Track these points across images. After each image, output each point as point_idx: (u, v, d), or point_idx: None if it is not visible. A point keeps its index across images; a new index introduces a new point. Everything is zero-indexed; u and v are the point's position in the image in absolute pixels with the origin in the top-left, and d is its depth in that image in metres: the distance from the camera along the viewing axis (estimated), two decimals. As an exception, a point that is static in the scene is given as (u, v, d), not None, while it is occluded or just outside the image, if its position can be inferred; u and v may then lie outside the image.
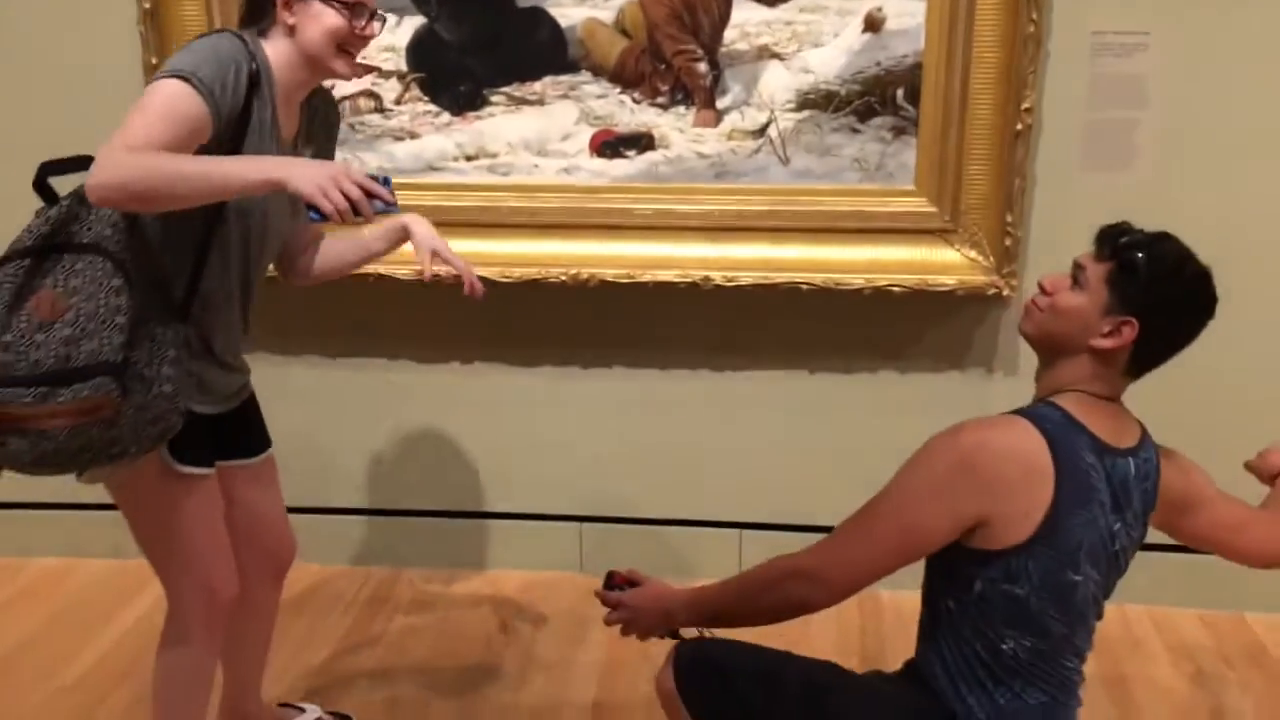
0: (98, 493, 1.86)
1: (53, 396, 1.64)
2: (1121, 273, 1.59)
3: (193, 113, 1.66)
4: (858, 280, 2.69)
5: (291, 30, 1.81)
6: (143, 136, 1.61)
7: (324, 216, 1.65)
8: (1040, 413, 1.60)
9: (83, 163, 1.68)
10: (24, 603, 2.92)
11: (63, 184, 1.76)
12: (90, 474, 1.81)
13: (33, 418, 1.65)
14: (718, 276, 2.73)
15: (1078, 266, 1.63)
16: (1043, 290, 1.66)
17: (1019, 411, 1.62)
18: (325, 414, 3.01)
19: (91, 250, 1.70)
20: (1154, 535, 2.90)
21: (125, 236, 1.72)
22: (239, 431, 2.06)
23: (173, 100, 1.65)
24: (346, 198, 1.64)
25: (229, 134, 1.74)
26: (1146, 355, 1.62)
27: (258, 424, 2.13)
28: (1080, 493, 1.56)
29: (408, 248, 2.03)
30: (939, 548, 1.58)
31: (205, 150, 1.71)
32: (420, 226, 2.02)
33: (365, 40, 1.87)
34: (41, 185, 1.75)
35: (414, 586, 3.00)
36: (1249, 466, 1.91)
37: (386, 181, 1.72)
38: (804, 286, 2.71)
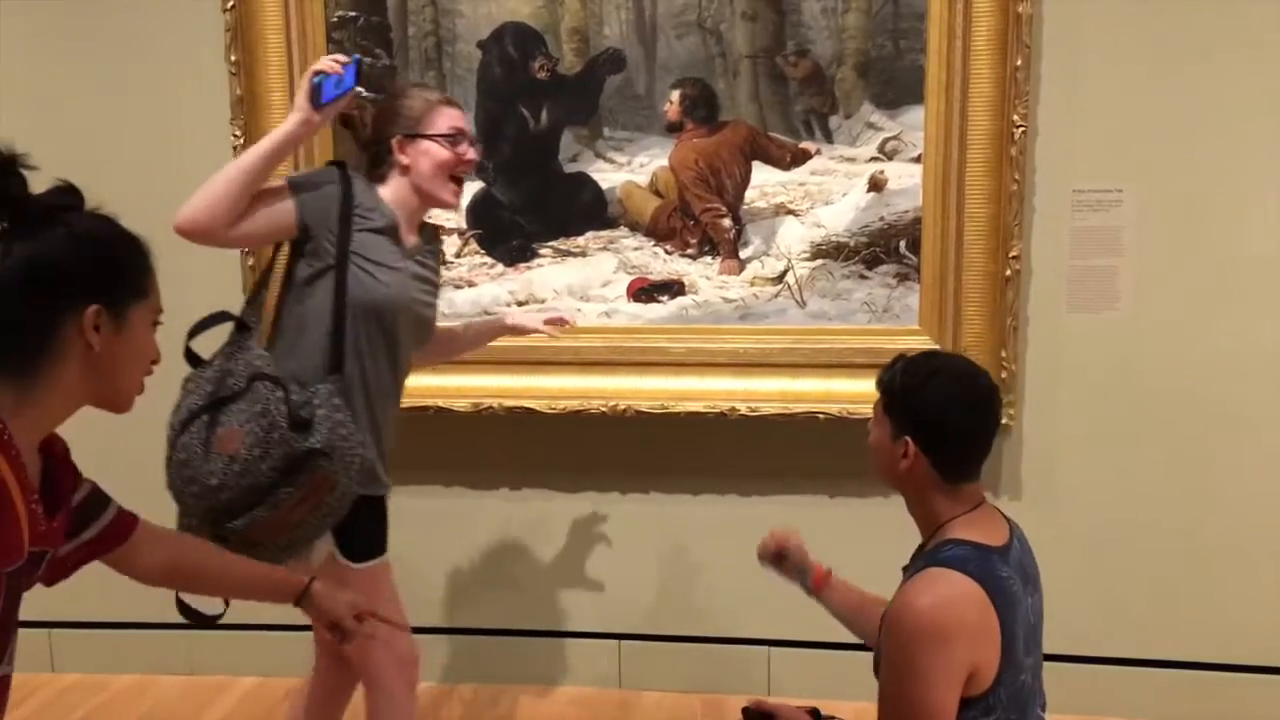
0: (174, 613, 1.89)
1: (284, 497, 1.88)
2: (890, 400, 1.70)
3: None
4: (869, 410, 2.84)
5: (406, 170, 2.07)
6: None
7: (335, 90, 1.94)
8: (954, 557, 1.62)
9: (221, 318, 1.95)
10: (106, 716, 3.07)
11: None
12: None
13: (280, 521, 1.89)
14: (743, 407, 2.91)
15: (875, 405, 1.74)
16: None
17: (936, 563, 1.63)
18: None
19: (249, 391, 1.91)
20: (1157, 651, 3.03)
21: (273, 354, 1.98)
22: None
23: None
24: (326, 73, 1.94)
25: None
26: (949, 461, 1.65)
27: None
28: (1011, 604, 1.62)
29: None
30: None
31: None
32: (517, 318, 2.41)
33: (467, 165, 2.10)
34: (188, 351, 1.97)
35: (464, 701, 3.11)
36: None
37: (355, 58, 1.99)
38: (820, 416, 2.88)
